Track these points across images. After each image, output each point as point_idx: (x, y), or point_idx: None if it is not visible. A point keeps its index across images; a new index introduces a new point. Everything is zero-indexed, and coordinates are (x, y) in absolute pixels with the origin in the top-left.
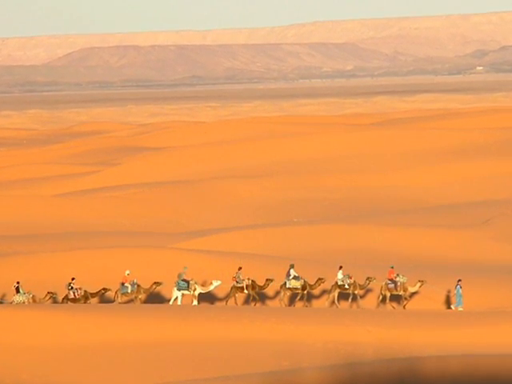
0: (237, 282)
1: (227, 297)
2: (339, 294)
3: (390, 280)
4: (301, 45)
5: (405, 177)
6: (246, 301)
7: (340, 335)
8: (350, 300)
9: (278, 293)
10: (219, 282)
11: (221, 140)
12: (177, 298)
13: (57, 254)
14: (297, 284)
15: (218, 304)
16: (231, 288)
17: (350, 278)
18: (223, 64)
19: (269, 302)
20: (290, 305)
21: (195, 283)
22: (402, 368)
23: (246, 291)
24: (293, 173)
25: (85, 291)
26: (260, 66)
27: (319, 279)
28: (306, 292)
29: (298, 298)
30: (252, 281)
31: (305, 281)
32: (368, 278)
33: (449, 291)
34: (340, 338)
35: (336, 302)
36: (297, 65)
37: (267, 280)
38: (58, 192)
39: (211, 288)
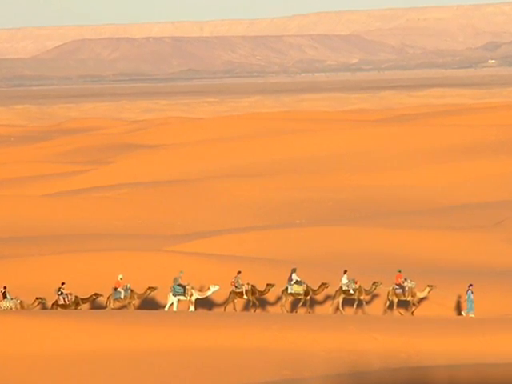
0: (236, 287)
1: (226, 302)
2: (344, 299)
3: (397, 285)
4: (303, 37)
5: (413, 176)
6: (246, 307)
7: (344, 343)
8: (355, 306)
9: (279, 298)
10: (217, 287)
11: (219, 137)
12: (172, 303)
13: (46, 258)
14: (299, 289)
15: (215, 310)
16: (230, 293)
17: (356, 282)
18: (221, 57)
19: (270, 308)
20: (291, 311)
21: (192, 288)
22: (410, 378)
23: (245, 296)
24: (295, 172)
25: (75, 297)
26: (260, 59)
27: (323, 284)
28: (308, 298)
29: (301, 303)
30: (252, 286)
31: (307, 286)
32: (374, 283)
33: (459, 296)
34: (344, 346)
35: (340, 308)
36: (299, 58)
37: (268, 285)
38: (47, 192)
39: (209, 293)
